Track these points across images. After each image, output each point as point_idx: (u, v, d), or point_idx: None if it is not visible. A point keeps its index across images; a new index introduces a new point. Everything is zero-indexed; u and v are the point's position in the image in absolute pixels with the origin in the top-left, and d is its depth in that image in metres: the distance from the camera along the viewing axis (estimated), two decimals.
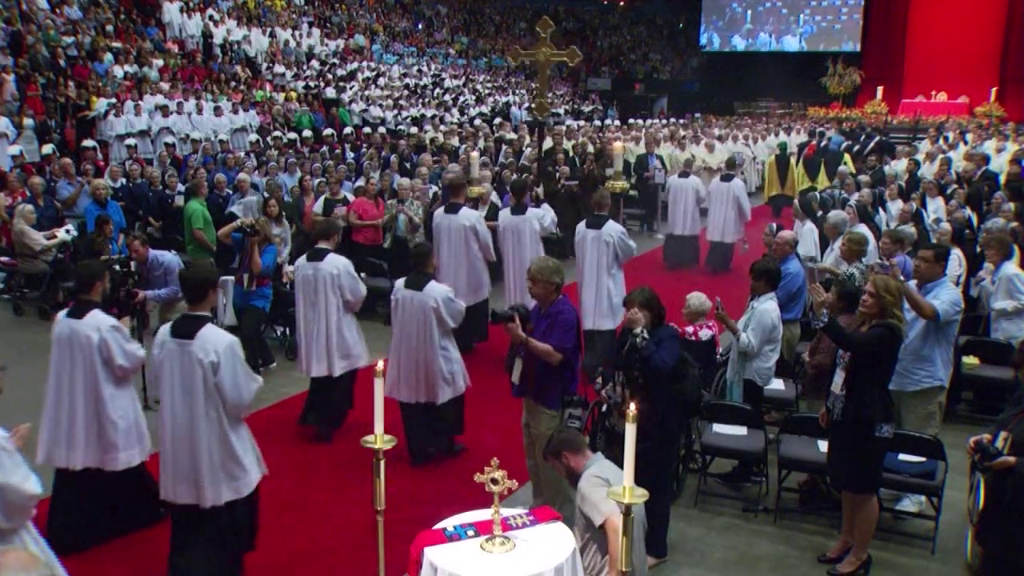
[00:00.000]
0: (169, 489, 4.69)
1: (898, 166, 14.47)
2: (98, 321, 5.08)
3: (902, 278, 5.91)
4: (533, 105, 15.49)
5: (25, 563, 2.17)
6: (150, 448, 5.31)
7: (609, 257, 7.81)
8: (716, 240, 12.54)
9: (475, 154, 11.17)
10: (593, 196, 8.41)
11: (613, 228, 7.89)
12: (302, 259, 6.86)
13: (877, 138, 20.83)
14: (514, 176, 12.21)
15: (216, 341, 4.50)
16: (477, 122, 21.40)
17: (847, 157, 17.04)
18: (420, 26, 29.52)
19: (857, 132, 22.34)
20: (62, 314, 5.21)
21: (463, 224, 8.38)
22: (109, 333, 5.06)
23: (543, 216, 9.13)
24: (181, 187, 11.78)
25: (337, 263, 6.65)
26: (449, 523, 3.69)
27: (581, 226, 8.10)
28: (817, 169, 16.78)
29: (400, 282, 6.32)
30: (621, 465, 3.09)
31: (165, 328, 4.68)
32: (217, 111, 17.12)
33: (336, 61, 23.23)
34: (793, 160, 17.43)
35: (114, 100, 15.73)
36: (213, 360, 4.46)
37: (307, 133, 17.67)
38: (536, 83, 28.28)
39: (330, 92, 21.09)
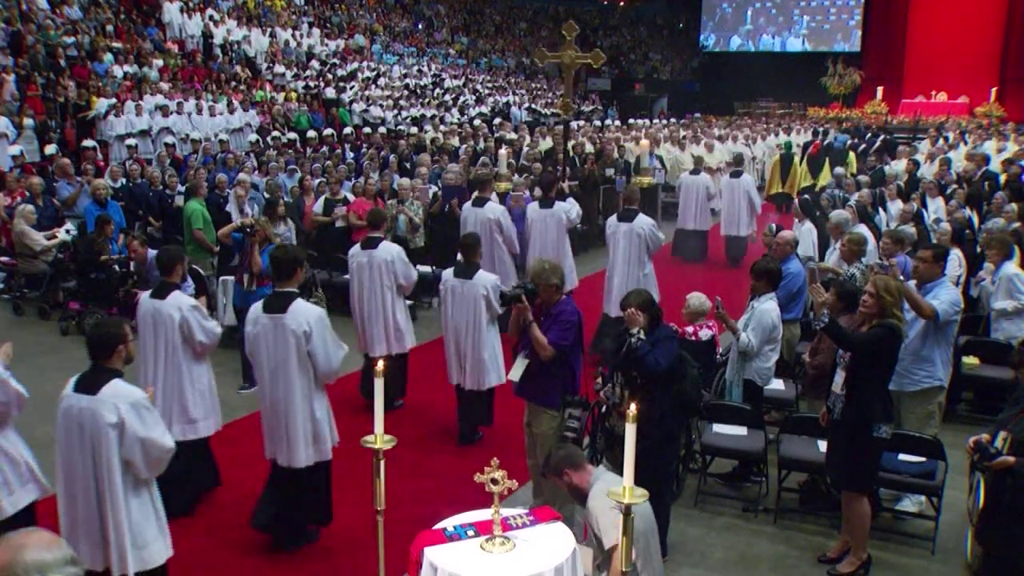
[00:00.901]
0: (269, 451, 5.17)
1: (898, 166, 14.48)
2: (179, 301, 5.42)
3: (902, 278, 5.91)
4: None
5: (48, 543, 2.18)
6: (221, 421, 5.77)
7: (640, 249, 8.14)
8: (732, 235, 12.88)
9: (503, 152, 11.52)
10: (624, 191, 8.66)
11: (644, 221, 8.25)
12: (356, 248, 7.24)
13: (882, 137, 20.84)
14: (515, 176, 12.24)
15: (307, 313, 4.94)
16: (477, 122, 21.36)
17: (852, 156, 17.07)
18: (420, 26, 29.50)
19: (863, 131, 22.32)
20: (145, 295, 5.59)
21: (488, 217, 8.75)
22: (190, 312, 5.38)
23: (570, 209, 9.34)
24: (181, 187, 11.77)
25: (391, 250, 7.07)
26: (449, 523, 3.69)
27: (612, 219, 8.50)
28: (820, 167, 16.81)
29: (448, 272, 6.55)
30: (621, 466, 3.08)
31: (257, 306, 5.10)
32: (213, 111, 17.08)
33: (336, 61, 23.20)
34: (797, 159, 17.47)
35: (114, 100, 15.70)
36: (306, 330, 4.88)
37: (311, 134, 17.67)
38: (536, 83, 28.54)
39: (330, 92, 21.07)
